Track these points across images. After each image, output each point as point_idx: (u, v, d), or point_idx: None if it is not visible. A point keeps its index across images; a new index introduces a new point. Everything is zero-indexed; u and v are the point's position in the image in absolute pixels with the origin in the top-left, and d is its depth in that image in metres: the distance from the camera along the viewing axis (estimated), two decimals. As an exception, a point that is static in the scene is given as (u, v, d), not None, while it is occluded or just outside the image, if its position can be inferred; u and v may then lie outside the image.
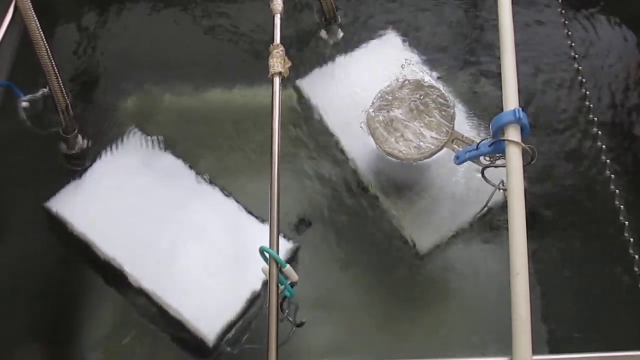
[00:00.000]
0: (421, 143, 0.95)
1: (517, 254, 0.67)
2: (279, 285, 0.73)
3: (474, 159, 0.88)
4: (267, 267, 0.72)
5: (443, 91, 0.99)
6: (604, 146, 1.05)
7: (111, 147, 1.04)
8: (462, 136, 0.94)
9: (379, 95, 1.00)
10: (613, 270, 0.94)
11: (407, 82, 1.00)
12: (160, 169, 1.03)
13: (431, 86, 0.99)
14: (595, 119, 1.07)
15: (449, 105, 0.97)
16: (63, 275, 0.96)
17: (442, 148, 0.95)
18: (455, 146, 0.94)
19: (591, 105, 1.09)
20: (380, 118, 0.98)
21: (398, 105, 0.98)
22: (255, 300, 0.91)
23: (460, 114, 1.06)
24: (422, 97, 0.98)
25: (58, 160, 1.04)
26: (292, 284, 0.75)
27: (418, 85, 0.99)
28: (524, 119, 0.74)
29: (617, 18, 1.20)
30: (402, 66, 1.06)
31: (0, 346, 0.89)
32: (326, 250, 0.97)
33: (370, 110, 0.99)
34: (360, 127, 1.01)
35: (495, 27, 0.83)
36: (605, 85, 1.13)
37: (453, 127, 0.96)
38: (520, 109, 0.74)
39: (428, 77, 1.03)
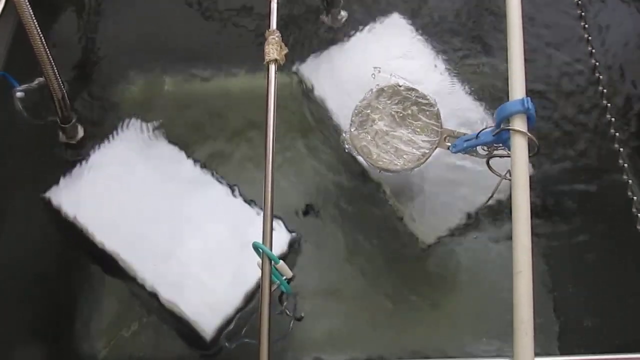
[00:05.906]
0: (413, 150, 0.91)
1: (521, 249, 0.64)
2: (275, 281, 0.72)
3: (471, 148, 0.85)
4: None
5: (421, 91, 0.94)
6: (617, 133, 1.01)
7: (110, 137, 1.03)
8: (454, 132, 0.91)
9: (356, 111, 0.94)
10: (625, 265, 0.92)
11: (382, 90, 0.95)
12: (160, 158, 1.01)
13: (408, 89, 0.95)
14: (609, 104, 1.04)
15: (431, 103, 0.93)
16: (61, 266, 0.95)
17: (435, 149, 0.92)
18: (449, 144, 0.91)
19: (605, 90, 1.05)
20: (365, 135, 0.93)
21: (379, 116, 0.94)
22: (255, 294, 0.89)
23: (466, 98, 1.04)
24: (402, 102, 0.94)
25: (56, 150, 1.03)
26: (288, 280, 0.73)
27: (394, 91, 0.95)
28: (532, 110, 0.71)
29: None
30: (372, 75, 1.00)
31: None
32: (328, 240, 0.95)
33: (352, 130, 0.94)
34: (345, 149, 0.96)
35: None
36: (619, 71, 1.08)
37: (441, 125, 0.92)
38: (529, 98, 0.71)
39: (402, 80, 0.98)
